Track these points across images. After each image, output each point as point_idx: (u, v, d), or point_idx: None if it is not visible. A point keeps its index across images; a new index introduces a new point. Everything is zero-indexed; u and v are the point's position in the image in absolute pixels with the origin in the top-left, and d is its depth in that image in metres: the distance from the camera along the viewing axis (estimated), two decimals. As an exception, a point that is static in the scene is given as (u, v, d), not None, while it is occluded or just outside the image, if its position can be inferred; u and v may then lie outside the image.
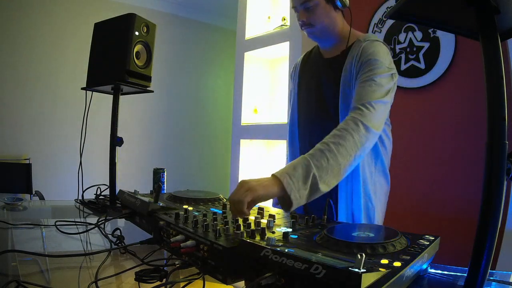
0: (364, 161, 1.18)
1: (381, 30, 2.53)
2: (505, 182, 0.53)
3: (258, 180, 0.87)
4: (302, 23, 1.25)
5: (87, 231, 1.10)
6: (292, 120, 1.39)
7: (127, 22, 1.50)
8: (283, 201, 0.89)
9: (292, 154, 1.39)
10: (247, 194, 0.82)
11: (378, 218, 1.22)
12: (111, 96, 1.59)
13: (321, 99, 1.27)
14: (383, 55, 1.13)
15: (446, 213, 2.20)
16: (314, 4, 1.20)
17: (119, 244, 0.94)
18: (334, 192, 1.19)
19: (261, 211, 0.93)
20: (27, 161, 3.54)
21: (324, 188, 0.92)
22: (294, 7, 1.27)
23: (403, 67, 2.39)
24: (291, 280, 0.54)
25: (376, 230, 0.74)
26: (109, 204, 1.50)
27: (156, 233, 0.88)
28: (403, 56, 2.40)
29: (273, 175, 0.89)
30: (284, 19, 3.00)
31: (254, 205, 0.86)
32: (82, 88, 1.64)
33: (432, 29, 2.28)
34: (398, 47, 2.43)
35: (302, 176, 0.89)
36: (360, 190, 1.17)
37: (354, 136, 0.98)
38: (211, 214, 0.89)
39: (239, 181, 0.88)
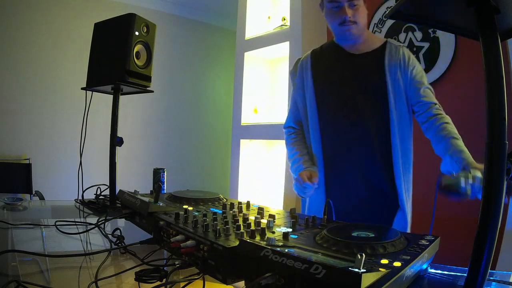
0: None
1: (381, 30, 2.53)
2: (505, 182, 0.53)
3: None
4: (344, 20, 1.25)
5: (87, 231, 1.10)
6: (311, 118, 1.36)
7: (127, 22, 1.50)
8: None
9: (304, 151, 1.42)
10: None
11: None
12: (111, 96, 1.59)
13: (355, 92, 1.29)
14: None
15: (446, 213, 2.20)
16: (360, 3, 1.25)
17: (119, 244, 0.94)
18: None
19: (261, 211, 0.93)
20: (27, 161, 3.54)
21: None
22: (335, 1, 1.25)
23: (403, 67, 2.39)
24: (291, 280, 0.54)
25: (376, 230, 0.74)
26: (109, 204, 1.50)
27: (156, 233, 0.88)
28: (403, 56, 2.40)
29: None
30: (284, 19, 3.00)
31: None
32: (82, 88, 1.64)
33: (432, 29, 2.29)
34: (398, 47, 2.43)
35: None
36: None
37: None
38: (211, 214, 0.89)
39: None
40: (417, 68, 1.29)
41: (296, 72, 1.46)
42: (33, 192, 3.40)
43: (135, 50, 1.51)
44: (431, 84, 2.27)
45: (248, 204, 1.06)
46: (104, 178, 1.62)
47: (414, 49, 2.36)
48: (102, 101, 1.81)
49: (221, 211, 0.96)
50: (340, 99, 1.32)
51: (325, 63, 1.38)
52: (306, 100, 1.39)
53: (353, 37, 1.30)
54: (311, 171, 1.33)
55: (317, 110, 1.36)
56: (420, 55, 2.33)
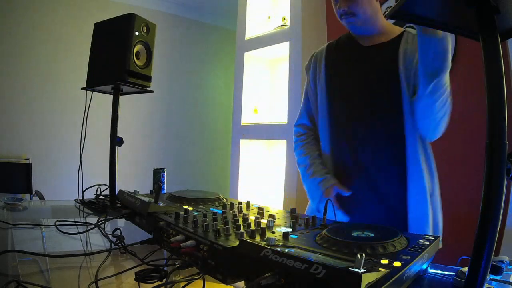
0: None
1: (381, 30, 2.53)
2: (505, 182, 0.53)
3: None
4: (342, 12, 1.17)
5: (87, 231, 1.10)
6: (321, 114, 1.30)
7: (127, 22, 1.50)
8: None
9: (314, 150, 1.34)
10: None
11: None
12: (111, 96, 1.59)
13: (366, 85, 1.20)
14: None
15: (446, 213, 2.20)
16: None
17: (119, 244, 0.94)
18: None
19: (261, 211, 0.93)
20: (27, 161, 3.54)
21: None
22: None
23: (403, 67, 2.39)
24: (291, 280, 0.54)
25: (376, 230, 0.74)
26: (109, 204, 1.50)
27: (156, 233, 0.88)
28: (403, 56, 2.40)
29: None
30: (284, 19, 3.00)
31: None
32: (82, 88, 1.64)
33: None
34: (398, 47, 2.43)
35: None
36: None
37: None
38: (211, 214, 0.89)
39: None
40: None
41: (310, 66, 1.38)
42: (33, 192, 3.40)
43: (135, 50, 1.51)
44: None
45: (248, 204, 1.06)
46: (104, 178, 1.62)
47: (414, 49, 2.36)
48: (102, 101, 1.81)
49: (221, 211, 0.96)
50: (350, 93, 1.23)
51: (339, 55, 1.30)
52: (317, 94, 1.32)
53: (357, 29, 1.22)
54: (333, 185, 1.21)
55: (327, 105, 1.28)
56: (420, 55, 2.33)
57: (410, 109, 1.12)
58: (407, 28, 1.23)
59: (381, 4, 2.68)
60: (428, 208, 1.17)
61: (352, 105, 1.23)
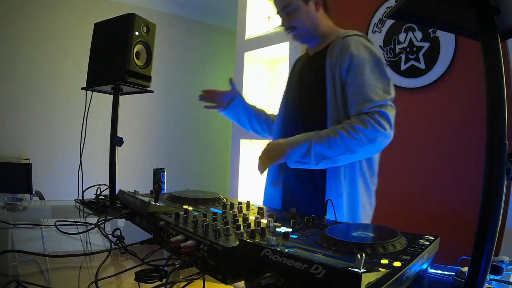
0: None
1: (381, 30, 2.53)
2: (505, 182, 0.53)
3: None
4: (285, 27, 1.30)
5: (87, 231, 1.10)
6: (277, 118, 1.44)
7: (127, 22, 1.50)
8: None
9: None
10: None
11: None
12: (111, 96, 1.59)
13: (303, 93, 1.32)
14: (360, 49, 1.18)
15: (446, 213, 2.20)
16: (294, 7, 1.23)
17: (119, 244, 0.94)
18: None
19: (261, 211, 0.93)
20: (27, 161, 3.54)
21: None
22: (277, 14, 1.31)
23: (403, 67, 2.39)
24: (291, 280, 0.54)
25: (376, 230, 0.74)
26: (109, 204, 1.50)
27: (156, 233, 0.88)
28: (403, 56, 2.40)
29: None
30: (284, 19, 3.00)
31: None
32: (82, 88, 1.64)
33: (432, 29, 2.28)
34: (398, 47, 2.43)
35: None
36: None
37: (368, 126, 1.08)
38: (211, 214, 0.89)
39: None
40: (356, 61, 1.14)
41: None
42: (33, 192, 3.40)
43: (135, 50, 1.51)
44: (431, 84, 2.29)
45: (248, 204, 1.06)
46: (104, 178, 1.62)
47: (414, 49, 2.36)
48: (102, 101, 1.81)
49: (221, 211, 0.96)
50: (290, 102, 1.37)
51: (296, 67, 1.44)
52: None
53: (302, 41, 1.35)
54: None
55: (281, 113, 1.41)
56: (420, 55, 2.33)
57: (336, 119, 1.18)
58: (343, 33, 1.25)
59: (381, 4, 2.67)
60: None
61: (288, 113, 1.36)
